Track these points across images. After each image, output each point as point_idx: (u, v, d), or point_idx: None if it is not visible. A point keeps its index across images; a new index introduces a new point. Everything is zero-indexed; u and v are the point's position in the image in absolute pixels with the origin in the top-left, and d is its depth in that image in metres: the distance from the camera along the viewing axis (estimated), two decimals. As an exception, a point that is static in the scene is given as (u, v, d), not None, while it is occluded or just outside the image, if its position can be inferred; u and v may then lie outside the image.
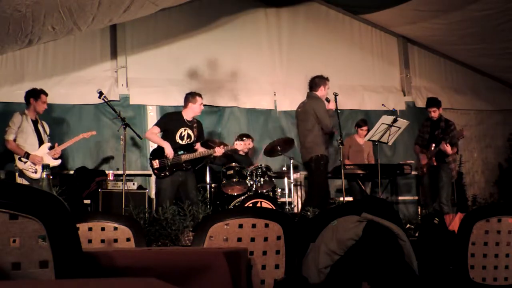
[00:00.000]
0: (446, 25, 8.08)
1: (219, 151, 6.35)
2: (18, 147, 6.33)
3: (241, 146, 6.57)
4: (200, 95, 6.47)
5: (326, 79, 6.72)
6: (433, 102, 7.35)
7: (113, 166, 7.71)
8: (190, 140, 6.38)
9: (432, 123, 7.34)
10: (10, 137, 6.34)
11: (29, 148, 6.35)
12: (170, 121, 6.41)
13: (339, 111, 6.66)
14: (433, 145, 7.16)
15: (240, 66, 8.58)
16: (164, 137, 6.38)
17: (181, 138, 6.33)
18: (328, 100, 6.61)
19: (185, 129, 6.35)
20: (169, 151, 6.20)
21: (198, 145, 6.46)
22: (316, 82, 6.70)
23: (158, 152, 6.31)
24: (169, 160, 6.21)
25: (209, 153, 6.36)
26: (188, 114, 6.41)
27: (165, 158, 6.22)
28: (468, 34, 8.18)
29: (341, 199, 6.63)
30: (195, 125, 6.44)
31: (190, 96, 6.44)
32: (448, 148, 7.00)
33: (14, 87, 7.46)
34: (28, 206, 1.69)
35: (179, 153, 6.27)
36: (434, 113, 7.25)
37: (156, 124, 6.48)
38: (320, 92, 6.68)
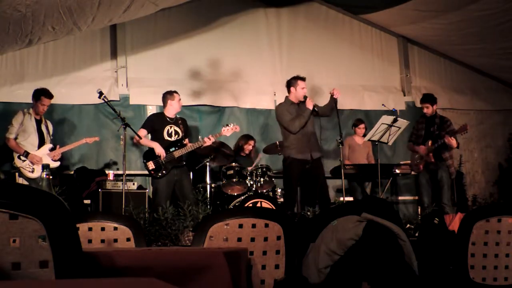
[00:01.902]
0: (446, 25, 8.08)
1: (208, 140, 6.41)
2: (18, 146, 6.35)
3: (229, 132, 6.59)
4: (176, 92, 6.57)
5: (297, 78, 6.52)
6: (426, 98, 7.26)
7: (113, 166, 7.72)
8: (178, 137, 6.48)
9: (427, 120, 7.23)
10: (11, 135, 6.35)
11: (29, 147, 6.36)
12: (154, 121, 6.55)
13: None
14: (430, 141, 7.08)
15: (240, 66, 8.58)
16: (153, 138, 6.49)
17: (169, 135, 6.44)
18: (305, 98, 6.47)
19: (171, 126, 6.47)
20: (159, 149, 6.28)
21: (187, 141, 6.54)
22: (287, 85, 6.61)
23: (150, 154, 6.36)
24: (163, 159, 6.25)
25: (200, 144, 6.41)
26: (169, 112, 6.53)
27: (158, 158, 6.26)
28: (468, 34, 8.18)
29: (341, 199, 6.62)
30: (179, 122, 6.57)
31: (168, 94, 6.56)
32: (453, 142, 6.87)
33: (14, 87, 7.47)
34: (28, 206, 1.69)
35: (171, 150, 6.33)
36: (427, 109, 7.16)
37: (142, 127, 6.56)
38: (292, 95, 6.55)
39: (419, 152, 7.15)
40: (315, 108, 6.46)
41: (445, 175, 7.08)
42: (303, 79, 6.54)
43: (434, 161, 7.05)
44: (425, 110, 7.22)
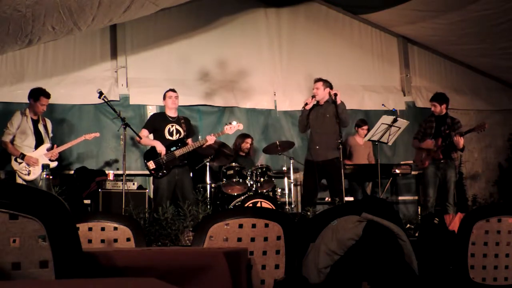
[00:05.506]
0: (446, 25, 8.08)
1: (210, 139, 6.41)
2: (14, 148, 6.28)
3: (232, 130, 6.59)
4: (171, 90, 6.61)
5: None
6: (435, 97, 7.14)
7: (113, 166, 7.72)
8: (180, 136, 6.48)
9: (437, 119, 7.08)
10: (7, 138, 6.31)
11: (26, 149, 6.30)
12: (155, 120, 6.60)
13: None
14: (440, 139, 6.94)
15: (240, 66, 8.58)
16: (155, 137, 6.52)
17: (171, 134, 6.45)
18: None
19: (172, 125, 6.49)
20: (160, 147, 6.29)
21: (189, 141, 6.55)
22: None
23: (151, 153, 6.37)
24: (164, 158, 6.25)
25: (202, 143, 6.41)
26: (169, 111, 6.58)
27: (159, 157, 6.26)
28: (468, 34, 8.18)
29: (341, 199, 6.62)
30: (182, 120, 6.58)
31: (164, 94, 6.64)
32: (462, 141, 6.80)
33: (14, 87, 7.47)
34: (28, 206, 1.69)
35: (172, 149, 6.33)
36: (434, 108, 7.03)
37: (144, 127, 6.60)
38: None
39: (426, 146, 6.97)
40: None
41: (453, 175, 7.01)
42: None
43: (442, 157, 6.92)
44: (432, 109, 7.09)
